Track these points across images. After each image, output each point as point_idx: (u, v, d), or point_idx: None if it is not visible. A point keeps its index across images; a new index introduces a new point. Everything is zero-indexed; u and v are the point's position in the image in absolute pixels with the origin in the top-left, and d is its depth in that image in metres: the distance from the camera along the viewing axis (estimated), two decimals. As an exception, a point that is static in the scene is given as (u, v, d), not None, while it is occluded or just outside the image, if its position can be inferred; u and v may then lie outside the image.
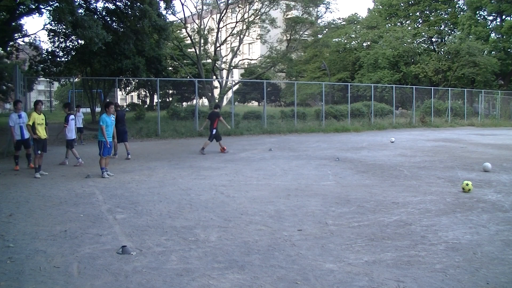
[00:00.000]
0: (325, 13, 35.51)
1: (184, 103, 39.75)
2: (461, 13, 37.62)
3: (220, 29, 29.98)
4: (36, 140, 9.05)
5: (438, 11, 37.95)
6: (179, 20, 30.68)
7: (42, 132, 9.20)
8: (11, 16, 19.98)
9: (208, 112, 15.41)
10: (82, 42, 19.90)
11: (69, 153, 10.98)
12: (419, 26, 38.35)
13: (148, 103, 42.60)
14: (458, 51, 32.21)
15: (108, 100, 10.72)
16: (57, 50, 23.94)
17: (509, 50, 35.13)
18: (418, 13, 38.99)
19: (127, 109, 39.51)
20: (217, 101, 28.79)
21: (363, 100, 29.21)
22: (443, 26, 38.81)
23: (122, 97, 50.25)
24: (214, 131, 12.83)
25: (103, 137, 8.83)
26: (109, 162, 9.28)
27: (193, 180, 8.31)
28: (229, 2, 29.51)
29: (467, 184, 7.19)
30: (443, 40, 38.94)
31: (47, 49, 24.51)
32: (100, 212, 5.90)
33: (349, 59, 39.85)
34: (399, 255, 4.20)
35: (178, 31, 32.89)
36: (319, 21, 35.84)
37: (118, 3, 20.27)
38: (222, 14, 29.25)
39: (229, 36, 30.75)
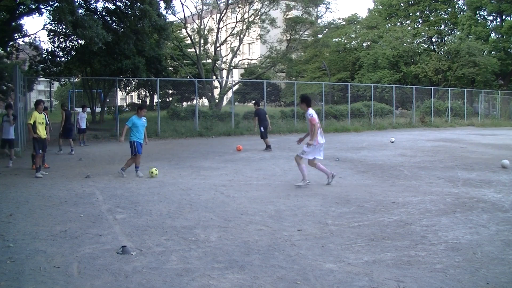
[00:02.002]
0: (325, 13, 35.55)
1: (184, 103, 39.75)
2: (461, 13, 37.63)
3: (220, 29, 29.98)
4: (36, 140, 9.01)
5: (438, 11, 37.94)
6: (179, 20, 30.69)
7: (42, 132, 9.16)
8: (11, 16, 19.98)
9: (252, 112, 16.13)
10: (82, 42, 19.93)
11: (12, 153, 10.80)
12: (419, 26, 38.35)
13: (148, 103, 42.61)
14: (458, 51, 32.22)
15: (140, 102, 10.91)
16: (57, 50, 23.98)
17: (509, 50, 35.13)
18: (418, 13, 38.99)
19: (127, 108, 39.54)
20: (217, 101, 28.79)
21: (363, 100, 29.22)
22: (443, 26, 38.82)
23: (122, 97, 50.24)
24: (262, 128, 13.80)
25: (133, 136, 8.86)
26: (140, 161, 9.18)
27: (193, 180, 8.31)
28: (229, 2, 29.51)
29: (152, 172, 8.55)
30: (443, 40, 38.94)
31: (47, 49, 24.59)
32: (100, 212, 5.89)
33: (349, 59, 39.85)
34: (399, 255, 4.20)
35: (178, 31, 32.91)
36: (319, 21, 35.83)
37: (118, 3, 20.28)
38: (222, 14, 29.25)
39: (229, 36, 30.75)
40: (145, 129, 9.20)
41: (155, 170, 8.72)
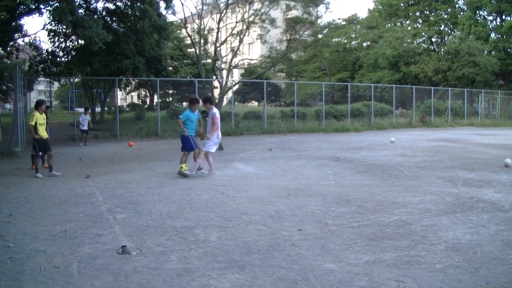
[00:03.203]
0: (325, 13, 35.58)
1: (184, 103, 39.63)
2: (461, 13, 37.60)
3: (220, 29, 29.97)
4: (37, 141, 8.88)
5: (438, 11, 37.93)
6: (179, 20, 30.68)
7: (43, 133, 9.04)
8: (11, 16, 19.98)
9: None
10: (82, 42, 19.93)
11: None
12: (419, 26, 38.33)
13: (148, 103, 42.58)
14: (458, 51, 32.19)
15: (193, 96, 11.04)
16: (57, 50, 23.95)
17: (509, 50, 35.12)
18: (418, 13, 38.97)
19: (127, 108, 39.54)
20: (217, 101, 28.78)
21: (363, 100, 29.19)
22: (443, 26, 38.80)
23: (122, 97, 50.23)
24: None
25: (183, 131, 8.79)
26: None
27: (193, 180, 8.31)
28: (229, 2, 29.51)
29: (181, 167, 8.52)
30: (443, 40, 38.93)
31: (47, 49, 24.54)
32: (100, 212, 5.89)
33: (349, 59, 39.84)
34: (399, 255, 4.20)
35: (178, 31, 32.89)
36: (319, 21, 35.83)
37: (118, 3, 20.29)
38: (222, 14, 29.25)
39: (229, 36, 30.74)
40: (198, 121, 9.24)
41: (185, 166, 8.72)
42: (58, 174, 8.93)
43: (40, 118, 8.97)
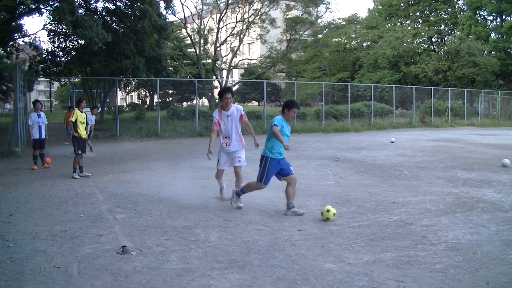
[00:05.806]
0: (325, 13, 35.57)
1: (184, 103, 39.70)
2: (461, 13, 37.62)
3: (220, 29, 30.00)
4: (76, 139, 8.74)
5: (438, 11, 37.95)
6: (179, 20, 30.70)
7: (83, 131, 8.87)
8: (11, 16, 20.00)
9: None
10: (82, 42, 19.92)
11: None
12: (419, 26, 38.35)
13: (148, 103, 42.59)
14: (458, 51, 32.21)
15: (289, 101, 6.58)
16: (57, 50, 23.93)
17: (509, 50, 35.13)
18: (418, 13, 38.99)
19: (127, 109, 39.54)
20: (217, 101, 28.75)
21: (363, 100, 29.20)
22: (443, 26, 38.82)
23: (122, 97, 50.24)
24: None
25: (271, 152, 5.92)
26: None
27: (193, 180, 8.30)
28: (229, 2, 29.53)
29: (327, 211, 5.32)
30: (443, 40, 38.94)
31: (47, 49, 24.52)
32: (100, 212, 5.89)
33: (349, 59, 39.84)
34: (399, 255, 4.20)
35: (178, 31, 32.92)
36: (319, 21, 35.86)
37: (118, 3, 20.29)
38: (222, 14, 29.28)
39: (229, 36, 30.77)
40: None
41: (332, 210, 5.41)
42: (89, 174, 8.77)
43: (80, 116, 8.78)
